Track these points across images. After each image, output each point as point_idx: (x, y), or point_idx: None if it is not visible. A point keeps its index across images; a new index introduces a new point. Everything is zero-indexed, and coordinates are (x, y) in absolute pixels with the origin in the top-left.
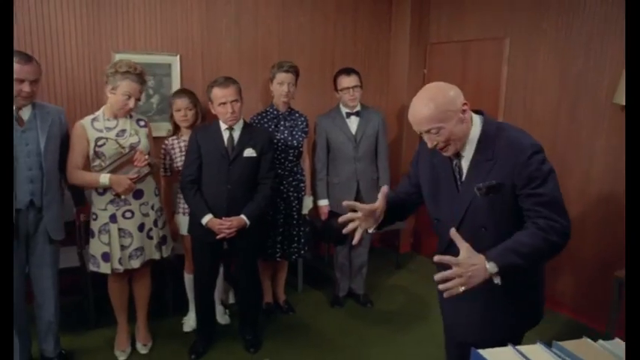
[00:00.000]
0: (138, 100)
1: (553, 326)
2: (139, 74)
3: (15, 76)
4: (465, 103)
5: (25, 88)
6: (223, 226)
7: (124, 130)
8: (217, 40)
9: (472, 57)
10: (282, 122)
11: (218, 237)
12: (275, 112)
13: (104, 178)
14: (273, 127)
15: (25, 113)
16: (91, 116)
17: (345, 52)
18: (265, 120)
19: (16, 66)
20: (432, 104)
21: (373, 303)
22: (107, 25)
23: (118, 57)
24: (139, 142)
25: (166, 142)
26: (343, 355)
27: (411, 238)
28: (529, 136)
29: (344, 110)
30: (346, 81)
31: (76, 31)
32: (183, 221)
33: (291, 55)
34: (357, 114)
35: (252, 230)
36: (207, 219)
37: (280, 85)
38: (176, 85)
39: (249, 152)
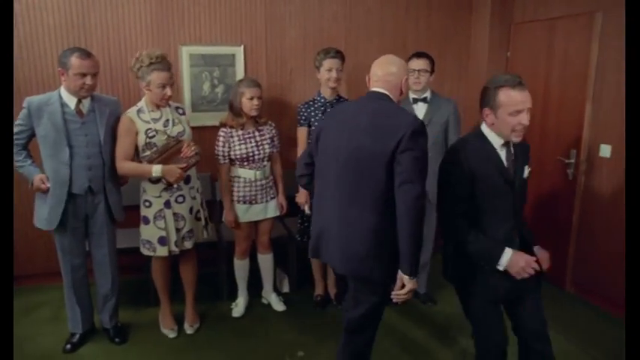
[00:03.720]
0: (172, 85)
1: None
2: (161, 61)
3: (78, 70)
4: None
5: (88, 81)
6: None
7: (168, 120)
8: (281, 29)
9: (558, 36)
10: (329, 110)
11: None
12: (322, 100)
13: (156, 168)
14: (320, 115)
15: (85, 105)
16: (135, 108)
17: (417, 36)
18: (312, 109)
19: (77, 61)
20: None
21: (436, 302)
22: (174, 19)
23: (184, 50)
24: (184, 130)
25: (224, 129)
26: (377, 355)
27: None
28: None
29: (412, 96)
30: (415, 64)
31: (146, 27)
32: (239, 209)
33: (359, 41)
34: (424, 100)
35: None
36: None
37: (329, 72)
38: (240, 74)
39: None
